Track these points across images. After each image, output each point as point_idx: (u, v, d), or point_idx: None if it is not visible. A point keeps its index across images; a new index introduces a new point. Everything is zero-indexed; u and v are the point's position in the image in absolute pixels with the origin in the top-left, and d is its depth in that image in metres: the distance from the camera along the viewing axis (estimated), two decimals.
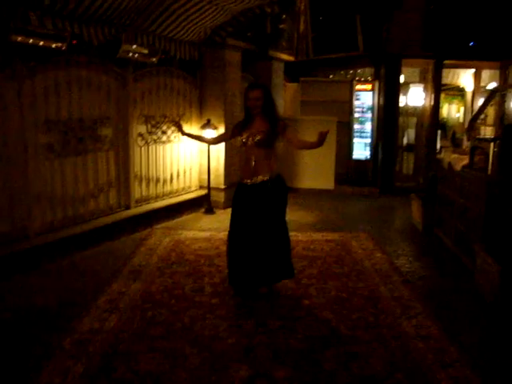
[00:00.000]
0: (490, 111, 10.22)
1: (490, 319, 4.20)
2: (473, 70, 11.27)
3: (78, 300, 4.36)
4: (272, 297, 4.48)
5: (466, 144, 9.66)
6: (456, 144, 13.07)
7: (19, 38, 4.72)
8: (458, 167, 5.57)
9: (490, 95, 8.10)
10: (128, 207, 6.70)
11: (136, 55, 6.32)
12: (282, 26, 10.26)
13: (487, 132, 9.32)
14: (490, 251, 4.61)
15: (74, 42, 5.21)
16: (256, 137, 4.27)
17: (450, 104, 18.10)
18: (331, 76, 12.63)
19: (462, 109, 16.01)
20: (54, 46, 5.04)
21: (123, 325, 3.89)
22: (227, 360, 3.40)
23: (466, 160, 5.50)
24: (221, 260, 5.46)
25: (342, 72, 12.91)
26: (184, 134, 4.96)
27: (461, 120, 15.34)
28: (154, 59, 6.63)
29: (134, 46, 6.24)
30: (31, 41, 4.84)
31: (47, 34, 4.99)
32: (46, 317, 4.05)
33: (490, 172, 4.93)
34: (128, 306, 4.23)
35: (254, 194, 4.31)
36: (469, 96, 12.37)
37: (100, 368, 3.27)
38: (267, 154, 4.32)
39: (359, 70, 12.42)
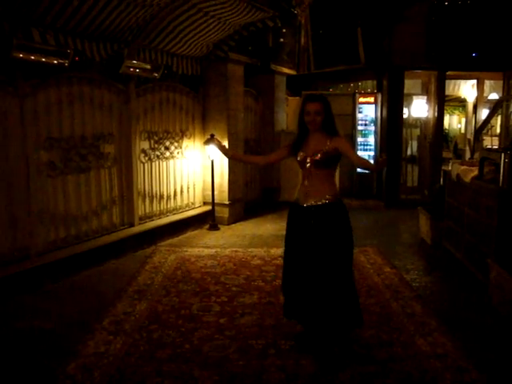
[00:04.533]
0: (495, 121, 10.17)
1: (506, 334, 4.07)
2: (473, 81, 11.28)
3: (82, 321, 4.23)
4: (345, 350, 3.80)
5: (468, 155, 9.60)
6: (458, 155, 13.02)
7: (21, 55, 4.68)
8: (468, 179, 5.47)
9: (496, 105, 8.03)
10: (132, 225, 6.59)
11: (138, 71, 6.28)
12: (283, 40, 10.26)
13: (493, 142, 9.24)
14: (503, 264, 4.50)
15: (77, 58, 5.16)
16: (314, 157, 3.65)
17: (450, 115, 18.15)
18: (331, 89, 12.63)
19: (463, 120, 16.05)
20: (56, 62, 5.00)
21: (129, 347, 3.76)
22: (238, 383, 3.28)
23: (475, 171, 5.41)
24: (227, 278, 5.36)
25: (342, 85, 12.91)
26: (231, 156, 4.38)
27: (462, 131, 15.35)
28: (157, 74, 6.58)
29: (136, 62, 6.19)
30: (33, 57, 4.80)
31: (50, 50, 4.95)
32: (49, 340, 3.93)
33: (501, 183, 4.83)
34: (134, 328, 4.10)
35: (311, 218, 3.65)
36: (470, 107, 12.38)
37: None
38: (327, 175, 3.71)
39: (361, 83, 12.43)
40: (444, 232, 6.49)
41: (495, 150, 5.71)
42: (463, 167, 5.81)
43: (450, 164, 6.64)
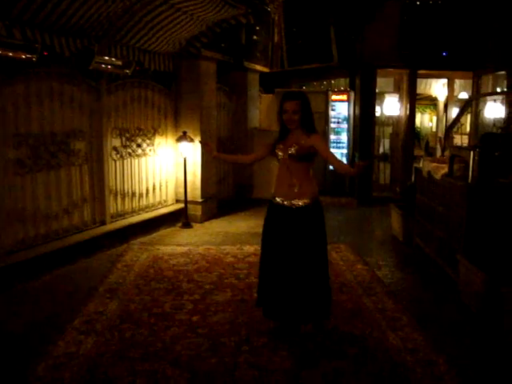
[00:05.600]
0: (465, 120, 10.35)
1: (476, 329, 4.15)
2: (445, 80, 11.45)
3: (53, 322, 4.16)
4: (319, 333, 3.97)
5: (439, 153, 9.75)
6: (429, 153, 13.23)
7: None
8: (438, 176, 5.55)
9: (466, 104, 8.18)
10: (103, 223, 6.50)
11: (109, 67, 6.19)
12: (256, 37, 10.24)
13: (463, 141, 9.40)
14: (472, 260, 4.58)
15: (45, 53, 5.04)
16: (290, 149, 3.67)
17: (422, 114, 18.39)
18: (304, 87, 12.68)
19: (434, 118, 16.29)
20: (23, 57, 4.88)
21: (101, 347, 3.70)
22: (210, 381, 3.27)
23: (445, 168, 5.49)
24: (200, 276, 5.33)
25: (316, 83, 12.98)
26: (215, 156, 4.27)
27: (433, 129, 15.58)
28: (128, 71, 6.50)
29: (107, 58, 6.09)
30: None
31: (16, 44, 4.82)
32: (18, 341, 3.84)
33: (470, 180, 4.92)
34: (105, 327, 4.04)
35: (289, 218, 3.72)
36: (441, 105, 12.57)
37: None
38: (304, 171, 3.73)
39: (334, 81, 12.50)
40: (415, 229, 6.59)
41: (465, 147, 5.80)
42: (434, 164, 5.90)
43: (421, 161, 6.73)
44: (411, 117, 9.86)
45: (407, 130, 9.91)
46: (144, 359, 3.53)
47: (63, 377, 3.28)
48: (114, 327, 4.04)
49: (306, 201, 3.72)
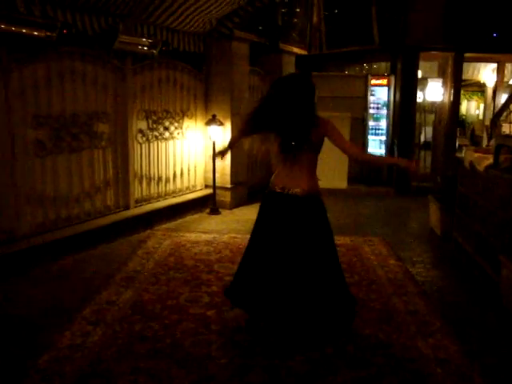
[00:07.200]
0: None
1: None
2: (494, 65, 10.77)
3: (64, 309, 4.00)
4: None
5: (485, 142, 9.19)
6: (475, 142, 12.59)
7: (3, 26, 4.37)
8: (481, 167, 5.10)
9: None
10: (127, 207, 6.34)
11: (135, 47, 5.96)
12: (294, 19, 9.88)
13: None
14: None
15: (65, 31, 4.84)
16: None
17: (468, 100, 17.58)
18: (346, 72, 12.20)
19: (481, 105, 15.50)
20: (42, 35, 4.69)
21: (107, 340, 3.51)
22: None
23: (490, 159, 5.03)
24: (221, 266, 5.10)
25: (357, 68, 12.47)
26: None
27: (480, 117, 14.84)
28: (155, 51, 6.26)
29: (133, 37, 5.88)
30: (17, 29, 4.49)
31: (35, 21, 4.64)
32: (26, 330, 3.69)
33: None
34: (115, 318, 3.85)
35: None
36: (489, 92, 11.88)
37: None
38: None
39: (375, 65, 11.98)
40: (455, 223, 6.14)
41: None
42: (477, 154, 5.44)
43: (464, 151, 6.26)
44: (455, 103, 9.30)
45: (451, 117, 9.35)
46: (150, 356, 3.31)
47: (64, 370, 3.10)
48: (124, 319, 3.85)
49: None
